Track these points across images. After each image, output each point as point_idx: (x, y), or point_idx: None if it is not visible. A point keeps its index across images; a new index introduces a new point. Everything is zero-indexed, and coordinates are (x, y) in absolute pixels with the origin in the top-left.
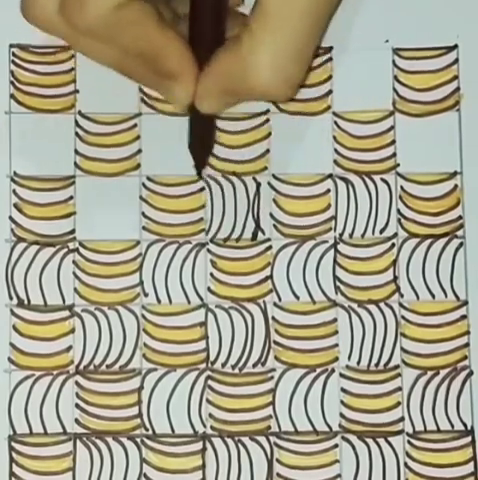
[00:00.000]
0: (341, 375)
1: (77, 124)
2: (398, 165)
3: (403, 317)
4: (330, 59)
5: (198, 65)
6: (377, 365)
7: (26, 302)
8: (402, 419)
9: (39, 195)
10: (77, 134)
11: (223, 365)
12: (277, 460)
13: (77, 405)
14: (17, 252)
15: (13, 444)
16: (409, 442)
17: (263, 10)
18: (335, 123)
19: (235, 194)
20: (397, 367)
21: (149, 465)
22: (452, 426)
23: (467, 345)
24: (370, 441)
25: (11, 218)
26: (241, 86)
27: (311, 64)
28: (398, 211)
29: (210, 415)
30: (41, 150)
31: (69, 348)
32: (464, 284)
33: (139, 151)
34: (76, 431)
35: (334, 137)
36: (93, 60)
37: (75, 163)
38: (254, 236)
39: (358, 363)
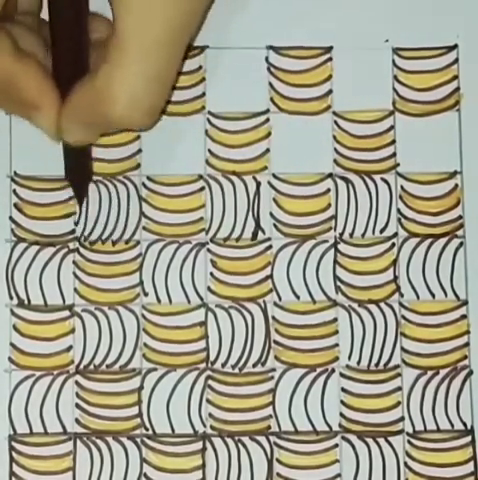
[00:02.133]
0: (341, 375)
1: None
2: (398, 165)
3: (403, 317)
4: (330, 59)
5: (62, 96)
6: (377, 365)
7: (26, 302)
8: (402, 419)
9: (39, 195)
10: None
11: (223, 365)
12: (277, 460)
13: (77, 405)
14: (17, 252)
15: (13, 444)
16: (409, 442)
17: (118, 43)
18: (335, 123)
19: (235, 193)
20: (397, 367)
21: (149, 465)
22: (452, 426)
23: (467, 345)
24: (370, 441)
25: (11, 218)
26: (99, 118)
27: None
28: (398, 211)
29: (210, 415)
30: (41, 150)
31: (69, 348)
32: (464, 284)
33: (139, 151)
34: (76, 431)
35: (334, 137)
36: None
37: None
38: (254, 236)
39: (358, 363)
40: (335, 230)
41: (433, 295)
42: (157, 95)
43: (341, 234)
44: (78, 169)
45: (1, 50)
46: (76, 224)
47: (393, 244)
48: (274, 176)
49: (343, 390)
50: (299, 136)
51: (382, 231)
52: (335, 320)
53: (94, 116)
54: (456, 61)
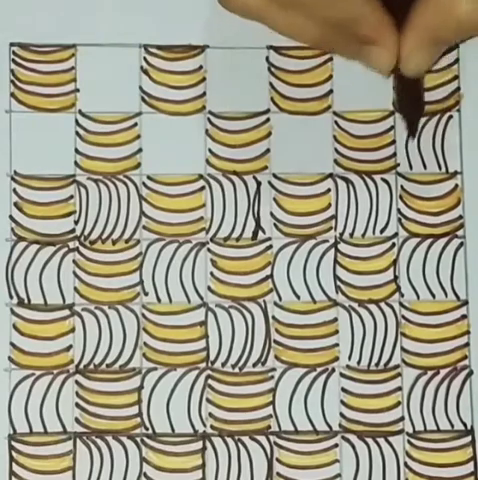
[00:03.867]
0: (341, 375)
1: (77, 123)
2: (398, 165)
3: (403, 317)
4: (330, 59)
5: (396, 25)
6: (377, 365)
7: (26, 301)
8: (402, 419)
9: (39, 194)
10: (77, 133)
11: (223, 364)
12: (277, 459)
13: (77, 404)
14: (17, 251)
15: (13, 443)
16: (409, 442)
17: None
18: (335, 123)
19: (235, 193)
20: (397, 367)
21: (149, 464)
22: (452, 426)
23: (467, 345)
24: (370, 441)
25: (11, 217)
26: (445, 27)
27: None
28: (398, 211)
29: (210, 414)
30: (41, 149)
31: (69, 347)
32: (464, 284)
33: (139, 150)
34: (76, 430)
35: (334, 137)
36: (293, 38)
37: (75, 162)
38: (254, 235)
39: (358, 363)
40: (335, 230)
41: (433, 295)
42: None
43: (341, 234)
44: (411, 102)
45: None
46: (76, 223)
47: (393, 244)
48: (274, 176)
49: (343, 390)
50: (299, 136)
51: (382, 231)
52: (335, 320)
53: (440, 28)
54: (456, 61)
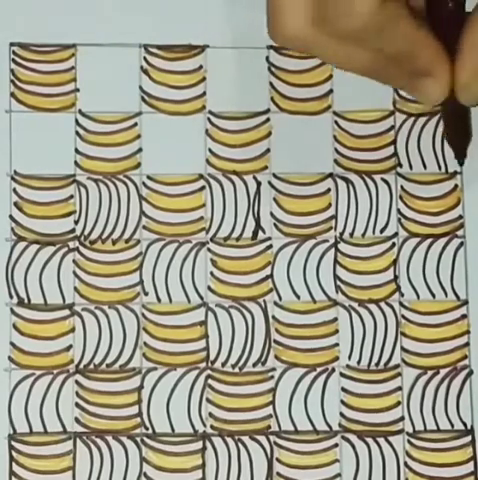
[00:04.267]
0: (341, 374)
1: (77, 123)
2: (398, 165)
3: (403, 316)
4: None
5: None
6: (377, 364)
7: (26, 301)
8: (402, 418)
9: (39, 194)
10: (77, 133)
11: (223, 364)
12: (277, 459)
13: (77, 404)
14: (17, 251)
15: (13, 443)
16: (409, 441)
17: None
18: (335, 123)
19: (235, 193)
20: (397, 366)
21: (149, 464)
22: (452, 425)
23: (467, 344)
24: (370, 440)
25: (11, 217)
26: None
27: None
28: (398, 211)
29: (210, 414)
30: (41, 149)
31: (69, 347)
32: (464, 284)
33: (139, 150)
34: (76, 430)
35: (334, 136)
36: (341, 67)
37: (75, 162)
38: (254, 235)
39: (358, 362)
40: (335, 230)
41: (433, 295)
42: None
43: (341, 234)
44: (461, 130)
45: (407, 16)
46: (76, 222)
47: (393, 244)
48: (274, 176)
49: (343, 390)
50: (299, 136)
51: (382, 231)
52: (335, 320)
53: None
54: None
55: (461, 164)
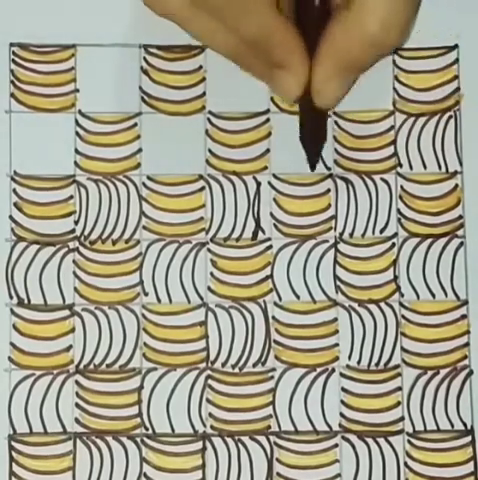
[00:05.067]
0: (341, 375)
1: (77, 123)
2: (398, 165)
3: (403, 316)
4: None
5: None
6: (377, 365)
7: (26, 301)
8: (402, 419)
9: (39, 194)
10: (77, 133)
11: (223, 364)
12: (277, 460)
13: (77, 404)
14: (17, 251)
15: (13, 443)
16: (409, 442)
17: None
18: (335, 123)
19: (235, 193)
20: (397, 367)
21: (149, 464)
22: (452, 426)
23: (467, 345)
24: (370, 441)
25: (11, 217)
26: (356, 53)
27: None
28: (398, 211)
29: (210, 414)
30: (41, 149)
31: (69, 347)
32: (464, 284)
33: (139, 150)
34: (76, 430)
35: (334, 137)
36: (211, 47)
37: (75, 162)
38: (254, 235)
39: (358, 363)
40: (335, 230)
41: (433, 295)
42: (409, 11)
43: (341, 234)
44: (316, 133)
45: (263, 4)
46: (76, 223)
47: (393, 244)
48: (274, 176)
49: (343, 390)
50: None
51: (382, 231)
52: (335, 320)
53: (348, 51)
54: (456, 61)
55: (313, 168)
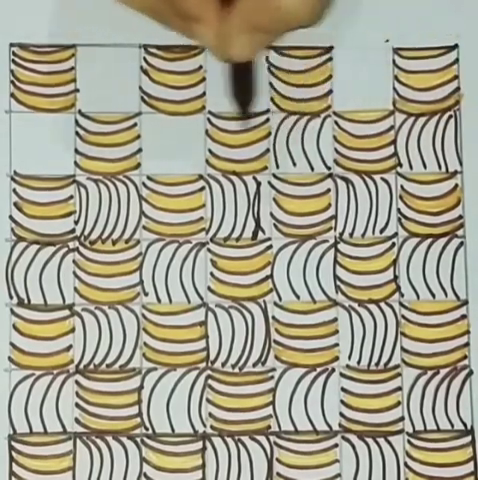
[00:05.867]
0: (341, 375)
1: (77, 123)
2: (398, 165)
3: (403, 316)
4: (330, 59)
5: (224, 8)
6: (377, 364)
7: (26, 301)
8: (402, 419)
9: (39, 194)
10: (77, 133)
11: (223, 364)
12: (277, 459)
13: (77, 404)
14: (17, 251)
15: (13, 443)
16: (409, 442)
17: None
18: (335, 123)
19: (235, 193)
20: (397, 366)
21: (149, 464)
22: (452, 426)
23: (467, 345)
24: (370, 441)
25: (11, 217)
26: (267, 17)
27: None
28: (398, 210)
29: (210, 414)
30: (41, 149)
31: (69, 347)
32: (464, 284)
33: (139, 150)
34: (76, 430)
35: (334, 136)
36: (126, 3)
37: (75, 162)
38: (254, 235)
39: (358, 362)
40: (335, 230)
41: (433, 295)
42: None
43: (341, 234)
44: (242, 84)
45: None
46: (76, 223)
47: (393, 244)
48: (274, 176)
49: (343, 390)
50: (299, 136)
51: (382, 231)
52: (335, 320)
53: (262, 15)
54: (456, 61)
55: (245, 119)
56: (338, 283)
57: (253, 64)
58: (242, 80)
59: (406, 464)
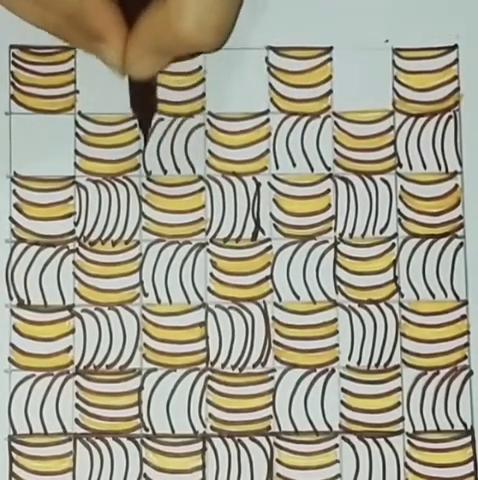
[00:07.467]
0: (341, 375)
1: (77, 124)
2: (398, 165)
3: (403, 317)
4: (330, 59)
5: (128, 27)
6: (377, 365)
7: (26, 302)
8: (402, 419)
9: (39, 195)
10: (77, 134)
11: (223, 365)
12: (277, 460)
13: (77, 405)
14: (17, 252)
15: (13, 444)
16: (409, 442)
17: None
18: (335, 123)
19: (235, 194)
20: (397, 367)
21: (149, 465)
22: (452, 426)
23: (467, 345)
24: (370, 441)
25: (11, 218)
26: (167, 40)
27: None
28: (398, 211)
29: (210, 415)
30: (41, 150)
31: (69, 348)
32: (464, 284)
33: (139, 151)
34: (76, 431)
35: (334, 137)
36: (32, 23)
37: (75, 163)
38: (254, 236)
39: (358, 363)
40: (335, 230)
41: (433, 295)
42: (226, 13)
43: (341, 234)
44: (142, 102)
45: None
46: (76, 224)
47: (393, 244)
48: (274, 177)
49: (343, 390)
50: (299, 136)
51: (382, 231)
52: (335, 320)
53: (163, 39)
54: (456, 61)
55: (145, 139)
56: (338, 283)
57: (154, 81)
58: (142, 96)
59: (406, 464)
